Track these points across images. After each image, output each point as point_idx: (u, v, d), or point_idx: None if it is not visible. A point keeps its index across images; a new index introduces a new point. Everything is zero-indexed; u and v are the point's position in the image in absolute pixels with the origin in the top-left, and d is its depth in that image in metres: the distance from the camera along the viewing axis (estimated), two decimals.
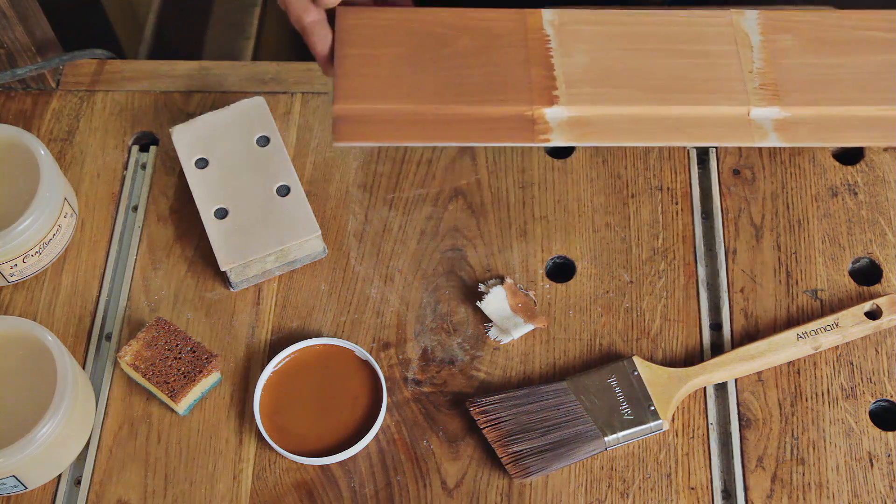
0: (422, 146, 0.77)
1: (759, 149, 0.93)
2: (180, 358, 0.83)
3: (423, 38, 0.76)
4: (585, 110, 0.73)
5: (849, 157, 0.93)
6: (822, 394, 0.83)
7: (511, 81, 0.74)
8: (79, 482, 0.82)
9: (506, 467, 0.80)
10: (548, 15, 0.77)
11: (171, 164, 0.95)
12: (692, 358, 0.85)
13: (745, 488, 0.79)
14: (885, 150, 0.92)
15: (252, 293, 0.89)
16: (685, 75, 0.75)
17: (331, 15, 0.80)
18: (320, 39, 0.77)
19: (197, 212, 0.89)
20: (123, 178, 0.95)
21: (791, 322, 0.85)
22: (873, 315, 0.84)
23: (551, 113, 0.73)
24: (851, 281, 0.87)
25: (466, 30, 0.76)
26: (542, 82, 0.74)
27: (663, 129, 0.74)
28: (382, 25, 0.77)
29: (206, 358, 0.83)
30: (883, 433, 0.81)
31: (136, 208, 0.94)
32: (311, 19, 0.77)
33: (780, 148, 0.93)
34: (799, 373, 0.83)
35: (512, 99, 0.74)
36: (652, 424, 0.80)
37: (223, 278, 0.89)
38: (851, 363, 0.83)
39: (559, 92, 0.74)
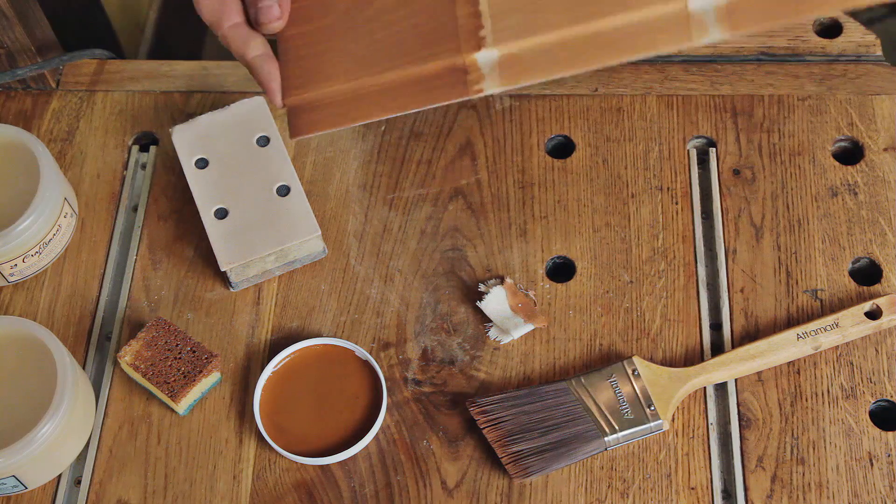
0: (373, 122, 0.74)
1: (759, 147, 0.93)
2: (180, 358, 0.83)
3: (349, 1, 0.72)
4: (515, 46, 0.68)
5: (849, 157, 0.93)
6: (822, 394, 0.83)
7: (439, 29, 0.70)
8: (79, 482, 0.82)
9: (506, 467, 0.80)
10: None
11: (171, 164, 0.95)
12: (692, 358, 0.85)
13: (745, 488, 0.79)
14: (885, 149, 0.92)
15: (252, 293, 0.89)
16: None
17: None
18: (267, 76, 0.72)
19: (197, 212, 0.89)
20: (123, 178, 0.95)
21: (791, 322, 0.85)
22: (873, 315, 0.84)
23: (482, 57, 0.68)
24: (851, 281, 0.87)
25: None
26: (468, 22, 0.69)
27: (597, 48, 0.67)
28: None
29: (206, 358, 0.83)
30: (883, 433, 0.81)
31: (136, 208, 0.94)
32: (254, 54, 0.72)
33: (779, 146, 0.93)
34: (799, 373, 0.83)
35: (442, 50, 0.69)
36: (652, 424, 0.80)
37: (223, 278, 0.89)
38: (851, 363, 0.83)
39: (486, 30, 0.68)
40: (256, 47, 0.72)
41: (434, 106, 0.70)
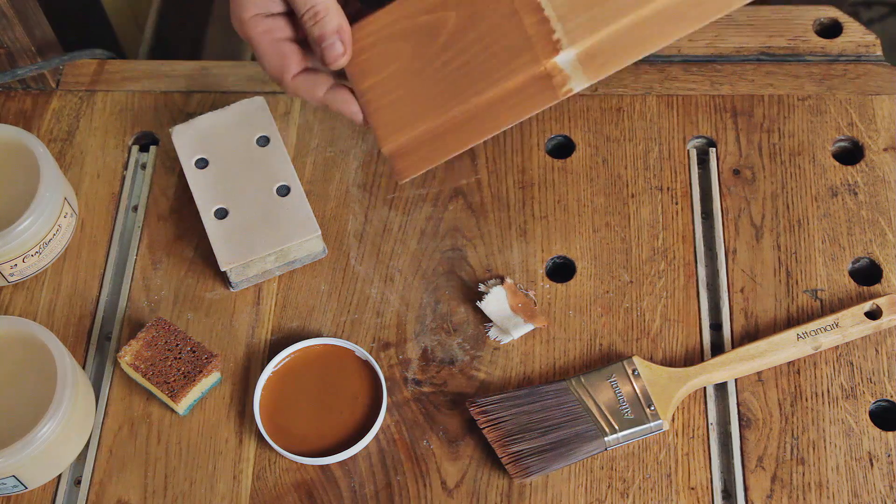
0: (475, 146, 0.76)
1: (759, 147, 0.93)
2: (180, 358, 0.83)
3: (415, 37, 0.73)
4: (590, 40, 0.70)
5: (849, 157, 0.93)
6: (822, 394, 0.83)
7: (512, 44, 0.71)
8: (79, 482, 0.82)
9: (506, 467, 0.80)
10: None
11: (171, 164, 0.95)
12: (692, 358, 0.85)
13: (745, 488, 0.79)
14: (885, 149, 0.92)
15: (252, 293, 0.89)
16: None
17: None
18: (344, 103, 0.75)
19: (197, 212, 0.89)
20: (123, 178, 0.95)
21: (791, 322, 0.85)
22: (873, 315, 0.84)
23: (561, 59, 0.70)
24: (851, 281, 0.87)
25: (447, 4, 0.73)
26: (538, 30, 0.70)
27: (668, 23, 0.69)
28: (375, 40, 0.74)
29: (206, 358, 0.83)
30: (883, 433, 0.81)
31: (136, 208, 0.94)
32: (324, 90, 0.75)
33: (779, 146, 0.93)
34: (799, 373, 0.83)
35: (521, 63, 0.71)
36: (652, 424, 0.80)
37: (223, 278, 0.89)
38: (851, 363, 0.83)
39: (558, 33, 0.70)
40: (324, 84, 0.75)
41: (528, 116, 0.72)
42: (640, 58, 0.70)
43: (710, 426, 0.82)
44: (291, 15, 0.74)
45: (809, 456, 0.80)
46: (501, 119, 0.72)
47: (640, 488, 0.80)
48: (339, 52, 0.73)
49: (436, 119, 0.73)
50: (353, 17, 0.77)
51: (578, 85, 0.70)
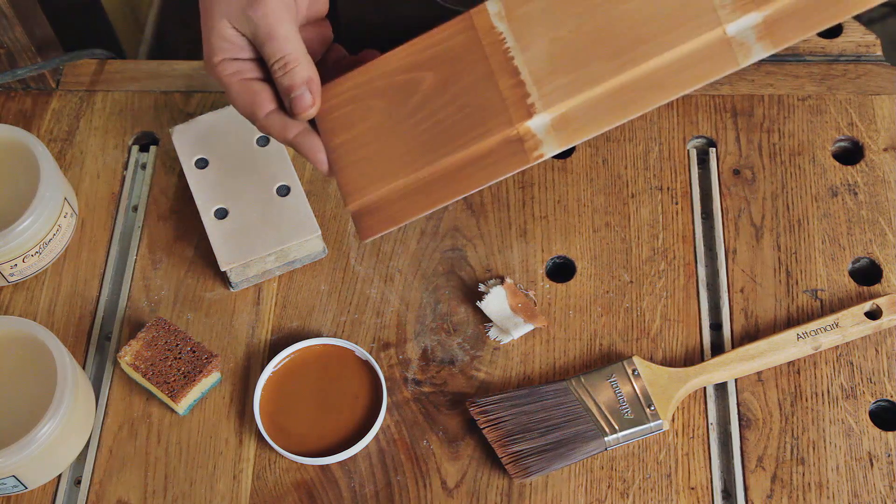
0: (441, 207, 0.75)
1: (759, 147, 0.93)
2: (180, 358, 0.83)
3: (390, 95, 0.73)
4: (565, 106, 0.70)
5: (849, 157, 0.93)
6: (822, 394, 0.83)
7: (486, 106, 0.71)
8: (79, 482, 0.82)
9: (506, 467, 0.80)
10: (493, 7, 0.71)
11: (171, 164, 0.95)
12: (692, 358, 0.85)
13: (745, 488, 0.79)
14: (885, 149, 0.92)
15: (252, 293, 0.89)
16: (648, 17, 0.69)
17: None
18: (311, 149, 0.74)
19: (197, 212, 0.89)
20: (123, 178, 0.95)
21: (791, 322, 0.85)
22: (873, 315, 0.84)
23: (535, 124, 0.70)
24: (851, 281, 0.87)
25: (425, 65, 0.72)
26: (513, 93, 0.70)
27: (646, 91, 0.69)
28: (349, 98, 0.74)
29: (206, 358, 0.83)
30: (883, 433, 0.81)
31: (136, 208, 0.94)
32: (295, 132, 0.74)
33: (779, 146, 0.93)
34: (799, 373, 0.83)
35: (494, 125, 0.71)
36: (652, 424, 0.80)
37: (223, 278, 0.89)
38: (851, 363, 0.83)
39: (533, 98, 0.70)
40: (295, 126, 0.74)
41: (499, 179, 0.71)
42: (615, 126, 0.69)
43: (710, 426, 0.82)
44: (261, 60, 0.74)
45: (809, 456, 0.80)
46: (471, 181, 0.71)
47: (640, 488, 0.80)
48: (308, 103, 0.72)
49: (404, 178, 0.72)
50: (335, 62, 0.77)
51: (550, 150, 0.70)
